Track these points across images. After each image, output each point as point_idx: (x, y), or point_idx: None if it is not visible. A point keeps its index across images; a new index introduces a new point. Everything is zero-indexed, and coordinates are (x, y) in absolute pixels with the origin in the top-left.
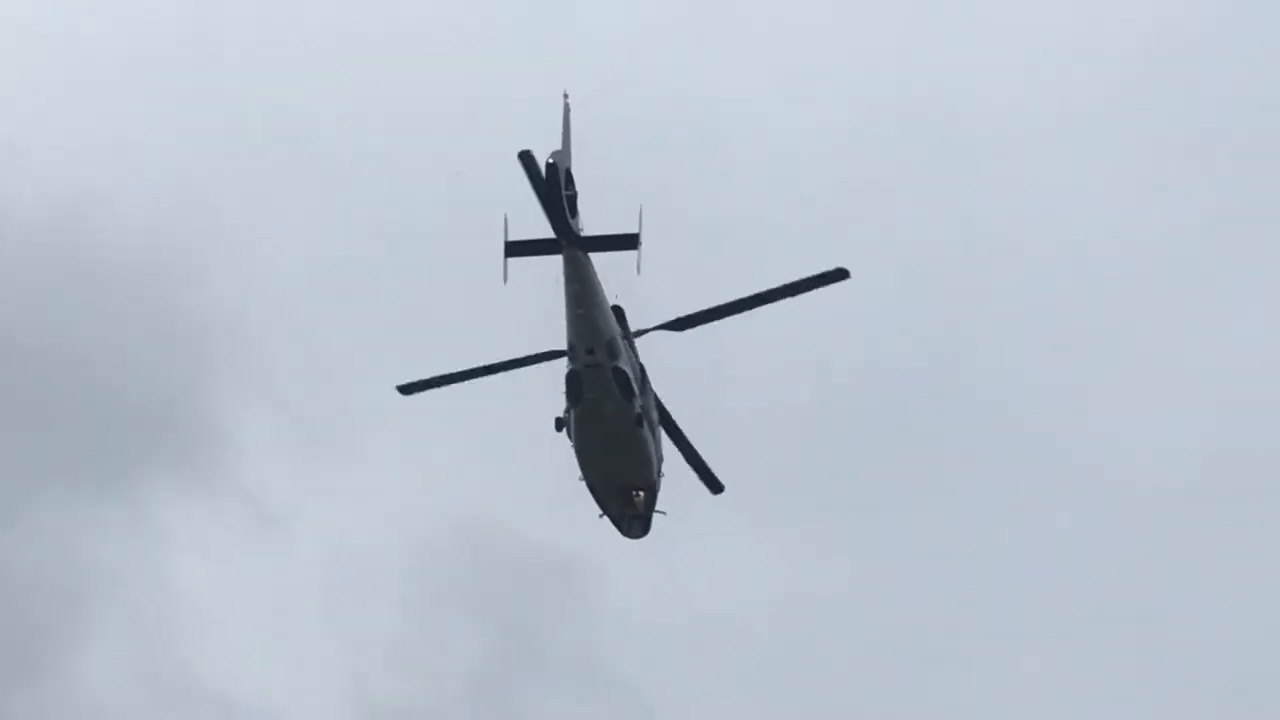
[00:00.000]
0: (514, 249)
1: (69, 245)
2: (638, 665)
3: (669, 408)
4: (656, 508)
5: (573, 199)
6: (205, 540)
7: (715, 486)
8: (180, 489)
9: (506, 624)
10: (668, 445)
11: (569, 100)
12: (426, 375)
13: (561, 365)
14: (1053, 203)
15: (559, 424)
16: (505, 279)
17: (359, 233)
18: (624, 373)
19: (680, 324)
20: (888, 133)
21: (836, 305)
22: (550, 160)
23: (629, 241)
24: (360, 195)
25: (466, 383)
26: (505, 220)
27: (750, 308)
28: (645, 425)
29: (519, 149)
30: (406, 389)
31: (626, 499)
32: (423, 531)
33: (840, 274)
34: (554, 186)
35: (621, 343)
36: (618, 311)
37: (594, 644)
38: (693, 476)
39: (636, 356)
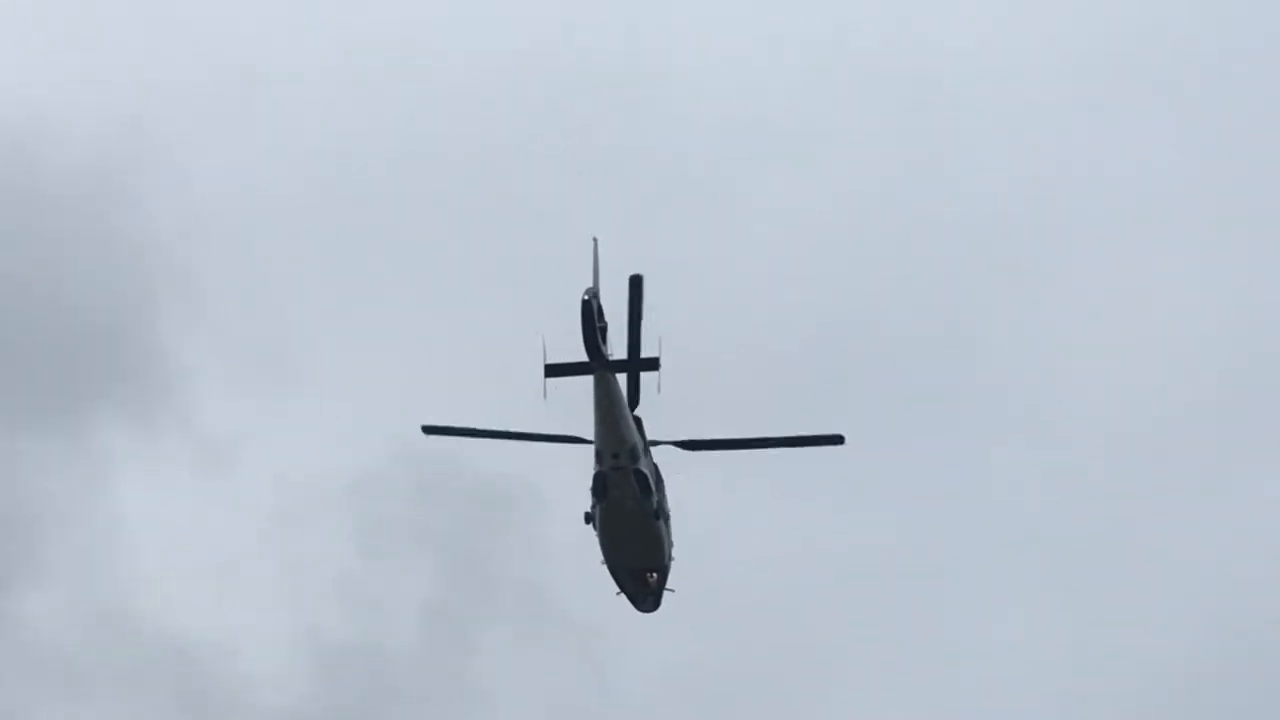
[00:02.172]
0: (552, 370)
1: (11, 175)
2: (588, 597)
3: None
4: (666, 586)
5: (604, 330)
6: (149, 470)
7: (836, 441)
8: (124, 419)
9: (457, 555)
10: None
11: (598, 243)
12: (450, 422)
13: (584, 458)
14: (1011, 133)
15: (587, 517)
16: (545, 395)
17: (302, 163)
18: (644, 474)
19: (689, 445)
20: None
21: (790, 242)
22: (585, 298)
23: (651, 364)
24: (306, 123)
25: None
26: (543, 344)
27: (752, 448)
28: (661, 518)
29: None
30: (429, 430)
31: (641, 579)
32: (371, 461)
33: (836, 439)
34: (589, 320)
35: (641, 448)
36: (637, 420)
37: (545, 575)
38: None
39: (652, 459)
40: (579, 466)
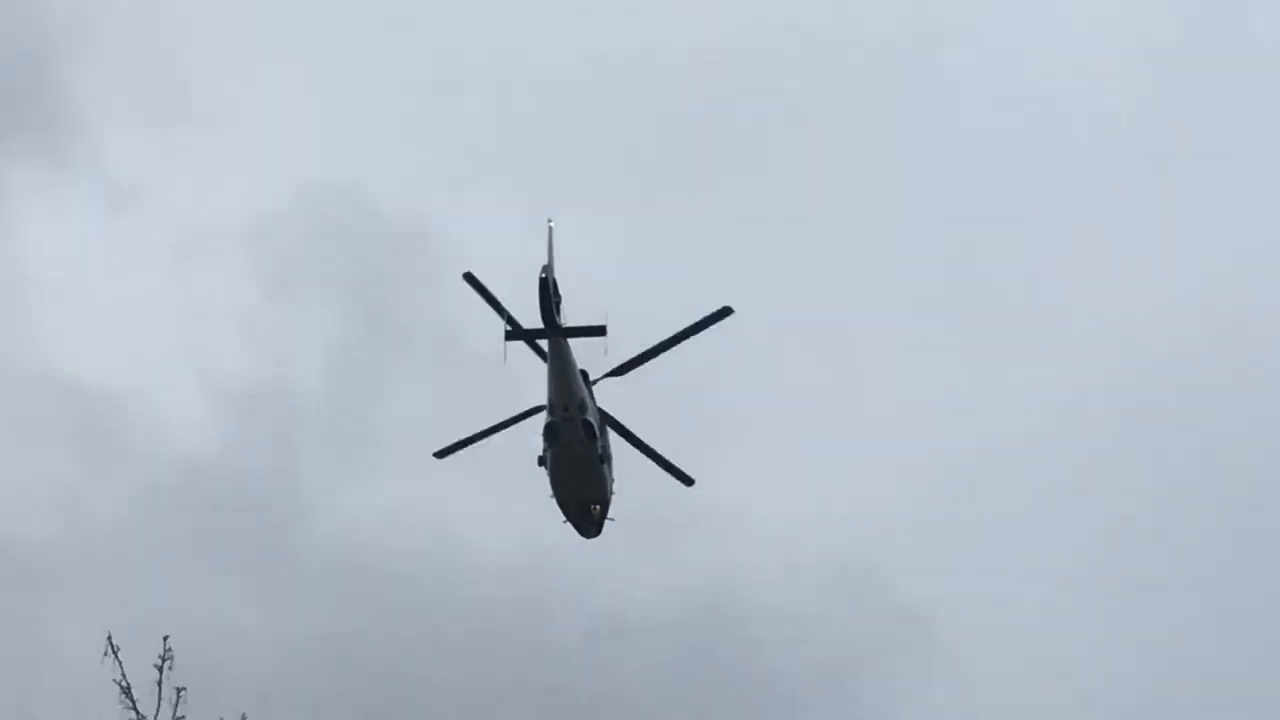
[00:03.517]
0: (511, 335)
1: None
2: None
3: None
4: (608, 517)
5: (558, 302)
6: (55, 216)
7: (686, 481)
8: (29, 161)
9: (363, 297)
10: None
11: (552, 225)
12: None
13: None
14: None
15: (540, 461)
16: (505, 359)
17: None
18: (590, 423)
19: (620, 370)
20: None
21: None
22: (542, 275)
23: (599, 331)
24: None
25: None
26: (505, 316)
27: (662, 352)
28: (605, 461)
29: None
30: (441, 454)
31: (586, 511)
32: (277, 205)
33: (725, 311)
34: (545, 294)
35: (589, 401)
36: (583, 374)
37: (451, 313)
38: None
39: (597, 406)
40: (484, 207)
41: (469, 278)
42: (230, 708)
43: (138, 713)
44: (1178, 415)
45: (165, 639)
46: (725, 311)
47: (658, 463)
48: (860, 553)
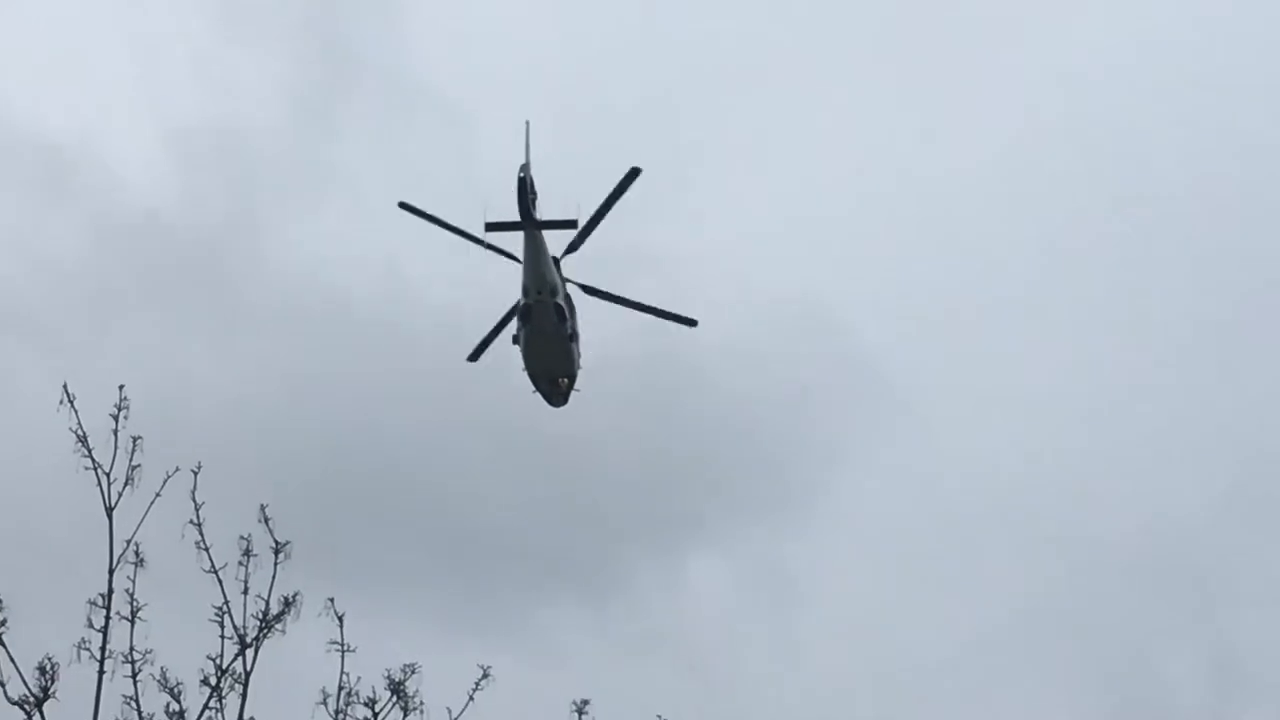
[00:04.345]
0: (491, 227)
1: None
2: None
3: None
4: (574, 388)
5: (534, 198)
6: None
7: (690, 323)
8: None
9: (317, 33)
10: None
11: (529, 125)
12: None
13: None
14: None
15: (515, 339)
16: (486, 245)
17: None
18: (561, 306)
19: (573, 247)
20: None
21: None
22: (520, 175)
23: (571, 224)
24: None
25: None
26: (485, 209)
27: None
28: (573, 339)
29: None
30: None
31: (555, 384)
32: None
33: (634, 172)
34: (523, 190)
35: (560, 285)
36: (556, 262)
37: (413, 59)
38: None
39: (568, 291)
40: None
41: (404, 206)
42: (187, 458)
43: (94, 461)
44: (1128, 153)
45: (121, 388)
46: (634, 173)
47: (655, 314)
48: (814, 290)
